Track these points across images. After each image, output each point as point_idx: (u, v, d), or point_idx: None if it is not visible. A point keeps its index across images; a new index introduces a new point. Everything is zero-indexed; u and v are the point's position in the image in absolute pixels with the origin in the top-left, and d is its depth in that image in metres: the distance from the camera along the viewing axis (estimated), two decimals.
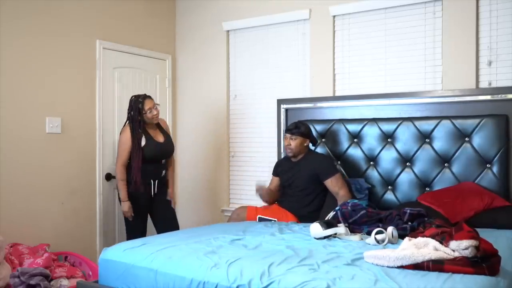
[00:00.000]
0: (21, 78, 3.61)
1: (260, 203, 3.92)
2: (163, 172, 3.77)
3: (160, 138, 3.73)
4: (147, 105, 3.60)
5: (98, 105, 4.15)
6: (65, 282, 3.18)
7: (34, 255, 3.32)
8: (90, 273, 3.37)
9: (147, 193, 3.65)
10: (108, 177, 4.22)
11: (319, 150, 3.87)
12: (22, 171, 3.59)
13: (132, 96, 3.68)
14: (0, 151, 3.47)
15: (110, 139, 4.25)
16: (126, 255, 2.51)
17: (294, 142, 3.55)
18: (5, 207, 3.47)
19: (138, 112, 3.58)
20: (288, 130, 3.60)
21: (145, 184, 3.61)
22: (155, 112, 3.65)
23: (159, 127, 3.79)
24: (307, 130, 3.60)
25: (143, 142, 3.58)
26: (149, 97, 3.66)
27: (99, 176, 4.15)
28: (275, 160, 4.09)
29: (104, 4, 4.22)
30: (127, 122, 3.66)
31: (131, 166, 3.58)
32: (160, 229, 3.66)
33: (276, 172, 3.78)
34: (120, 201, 3.65)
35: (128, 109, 3.65)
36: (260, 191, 3.66)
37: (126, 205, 3.59)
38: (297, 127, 3.57)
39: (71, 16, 3.94)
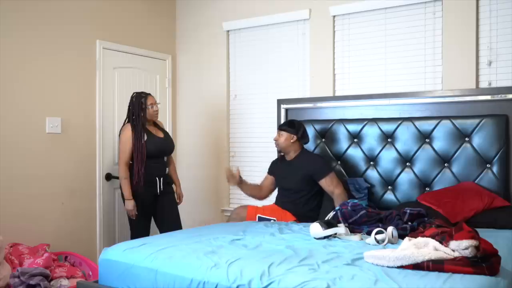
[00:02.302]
0: (21, 78, 3.61)
1: (259, 202, 3.91)
2: (167, 169, 3.78)
3: (160, 135, 3.75)
4: (149, 100, 3.64)
5: (98, 105, 4.15)
6: (65, 282, 3.18)
7: (34, 255, 3.31)
8: (90, 273, 3.37)
9: (152, 191, 3.65)
10: (108, 177, 4.22)
11: (318, 150, 3.87)
12: (22, 171, 3.59)
13: (134, 93, 3.71)
14: (0, 151, 3.47)
15: (110, 139, 4.25)
16: (126, 255, 2.50)
17: (281, 138, 3.59)
18: (5, 207, 3.47)
19: (140, 107, 3.59)
20: (279, 125, 3.71)
21: (151, 182, 3.61)
22: (156, 108, 3.67)
23: (157, 125, 3.81)
24: (296, 126, 3.59)
25: (144, 138, 3.58)
26: (150, 94, 3.72)
27: (99, 176, 4.15)
28: None
29: (104, 4, 4.22)
30: (127, 121, 3.67)
31: (134, 165, 3.58)
32: (163, 229, 3.67)
33: (272, 171, 3.80)
34: (123, 200, 3.64)
35: (129, 106, 3.66)
36: (230, 177, 3.67)
37: (130, 204, 3.58)
38: (286, 124, 3.63)
39: (71, 16, 3.94)
